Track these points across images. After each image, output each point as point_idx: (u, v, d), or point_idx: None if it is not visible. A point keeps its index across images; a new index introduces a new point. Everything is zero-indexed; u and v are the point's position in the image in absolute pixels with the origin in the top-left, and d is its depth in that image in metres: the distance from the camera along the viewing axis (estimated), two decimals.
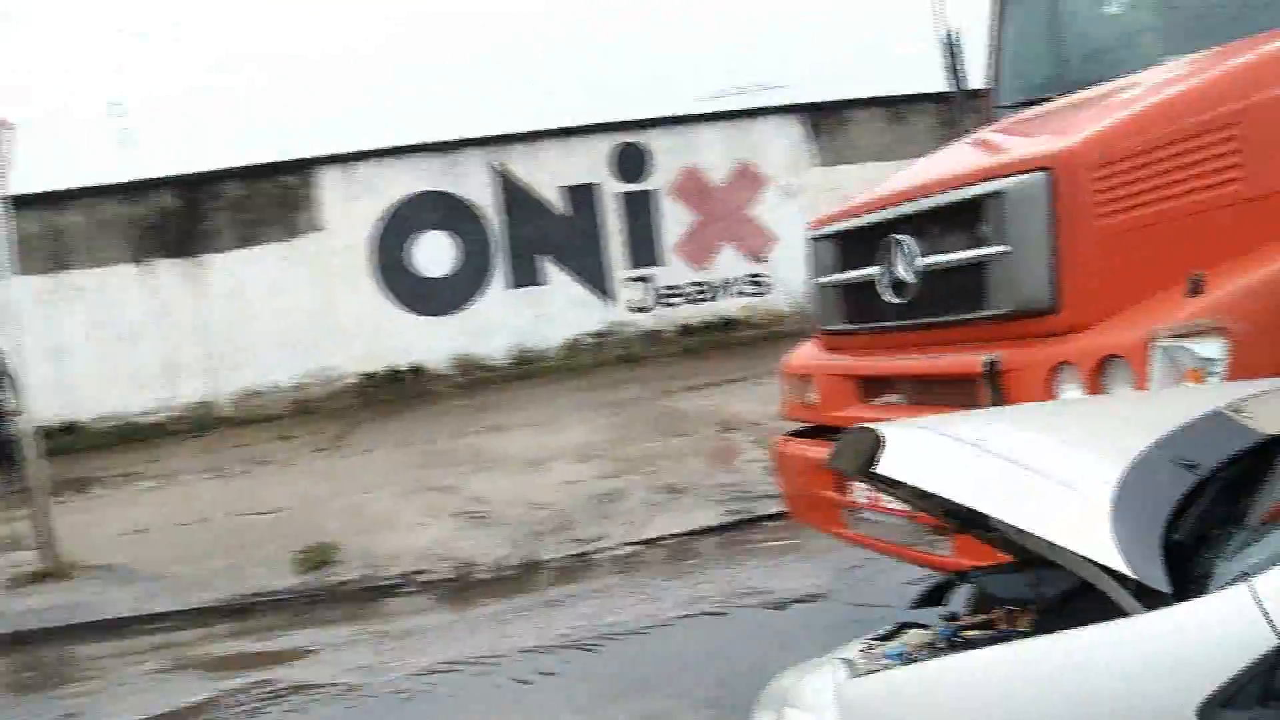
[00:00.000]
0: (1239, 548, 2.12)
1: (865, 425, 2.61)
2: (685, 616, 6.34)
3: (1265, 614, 1.80)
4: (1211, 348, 3.27)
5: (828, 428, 5.04)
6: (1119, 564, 2.03)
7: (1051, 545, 2.21)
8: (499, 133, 14.65)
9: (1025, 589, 2.61)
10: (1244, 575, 1.89)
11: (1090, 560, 2.10)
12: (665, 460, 9.82)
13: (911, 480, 2.45)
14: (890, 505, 4.36)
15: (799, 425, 5.35)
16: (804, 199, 14.82)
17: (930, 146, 6.07)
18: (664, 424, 10.95)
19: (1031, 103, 4.93)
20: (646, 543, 8.09)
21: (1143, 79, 4.17)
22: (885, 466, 2.40)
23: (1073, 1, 5.14)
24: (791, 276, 14.98)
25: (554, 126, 14.87)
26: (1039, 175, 3.70)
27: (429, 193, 14.27)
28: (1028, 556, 2.75)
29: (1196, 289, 3.40)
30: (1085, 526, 2.14)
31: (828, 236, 4.95)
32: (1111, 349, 3.50)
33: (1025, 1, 5.28)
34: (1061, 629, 2.10)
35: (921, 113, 15.25)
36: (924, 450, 2.54)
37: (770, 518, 7.97)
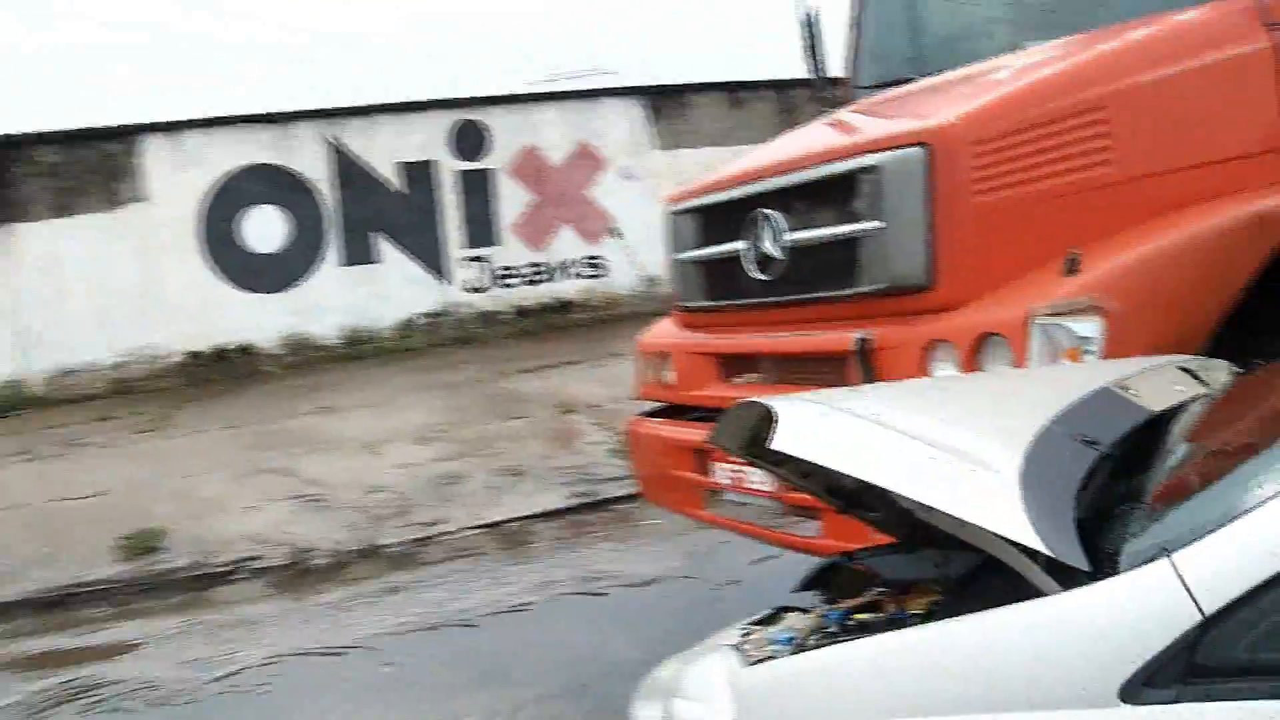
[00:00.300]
0: (1145, 523, 2.07)
1: (751, 400, 2.51)
2: (534, 602, 6.19)
3: (1187, 589, 1.76)
4: (1089, 326, 3.28)
5: (684, 407, 4.96)
6: (1036, 542, 1.96)
7: (962, 524, 2.12)
8: (334, 106, 14.16)
9: (920, 569, 2.54)
10: (1163, 551, 1.83)
11: (1004, 539, 2.03)
12: (505, 442, 9.62)
13: (810, 456, 2.34)
14: (755, 486, 4.29)
15: (653, 405, 5.25)
16: (644, 182, 14.75)
17: (770, 132, 6.04)
18: (502, 406, 10.75)
19: (892, 84, 4.90)
20: (490, 526, 7.91)
21: (1011, 62, 4.18)
22: (780, 442, 2.28)
23: None
24: (628, 260, 14.93)
25: (391, 101, 14.47)
26: (916, 150, 3.65)
27: (260, 165, 13.68)
28: (913, 536, 2.70)
29: (1073, 268, 3.40)
30: (998, 504, 2.07)
31: (689, 211, 4.84)
32: (989, 327, 3.48)
33: None
34: (964, 611, 2.03)
35: (762, 99, 15.32)
36: (821, 426, 2.44)
37: (617, 500, 7.88)
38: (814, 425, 2.40)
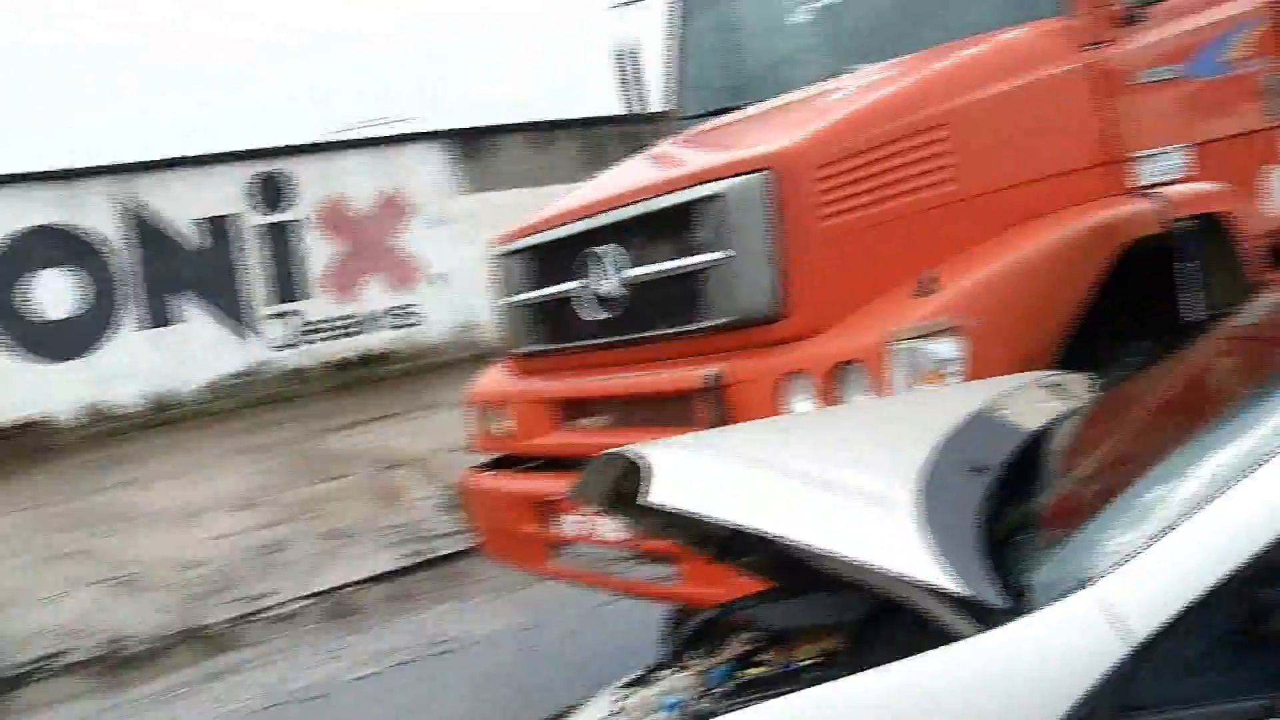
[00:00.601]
0: (1053, 552, 1.97)
1: (615, 450, 2.33)
2: (375, 673, 5.85)
3: (1112, 620, 1.65)
4: (949, 347, 3.22)
5: (522, 458, 4.75)
6: (946, 582, 1.83)
7: (861, 568, 1.98)
8: (125, 161, 13.47)
9: (813, 616, 2.39)
10: (1082, 581, 1.73)
11: (911, 581, 1.89)
12: (328, 504, 9.19)
13: (691, 509, 2.17)
14: (605, 536, 4.11)
15: (488, 457, 5.02)
16: (453, 227, 14.49)
17: (580, 171, 5.92)
18: (321, 466, 10.29)
19: (719, 112, 4.83)
20: (321, 595, 7.49)
21: (846, 83, 4.14)
22: (658, 495, 2.11)
23: (754, 13, 5.10)
24: (443, 307, 14.65)
25: (186, 155, 13.85)
26: (759, 176, 3.55)
27: (46, 226, 12.91)
28: (795, 581, 2.55)
29: (927, 289, 3.34)
30: (898, 545, 1.94)
31: (518, 252, 4.64)
32: (846, 354, 3.39)
33: (706, 14, 5.21)
34: (870, 660, 1.89)
35: (571, 138, 15.26)
36: (698, 474, 2.28)
37: (452, 557, 7.58)
38: (690, 474, 2.25)
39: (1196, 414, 2.39)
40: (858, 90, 3.97)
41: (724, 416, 3.63)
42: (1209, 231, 3.99)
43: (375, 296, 14.77)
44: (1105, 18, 4.05)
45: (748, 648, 2.44)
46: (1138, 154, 4.05)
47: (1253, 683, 1.64)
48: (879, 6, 4.60)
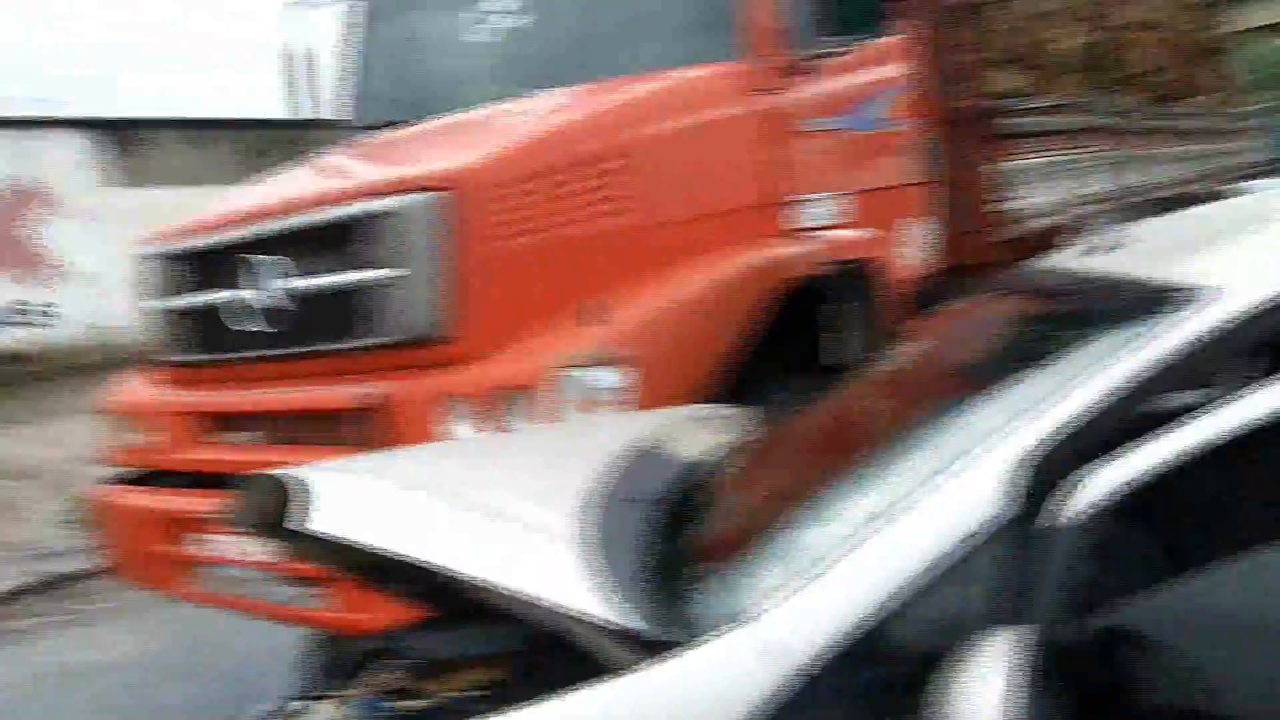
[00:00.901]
0: (715, 585, 1.99)
1: (270, 473, 2.21)
2: None
3: (771, 654, 1.69)
4: (614, 377, 3.24)
5: (163, 472, 4.46)
6: (605, 614, 1.82)
7: (523, 599, 1.94)
8: None
9: (474, 646, 2.33)
10: (741, 614, 1.76)
11: (571, 613, 1.87)
12: None
13: (352, 538, 2.07)
14: (250, 557, 3.91)
15: (125, 471, 4.68)
16: (99, 222, 13.55)
17: (245, 172, 5.67)
18: None
19: (394, 125, 4.72)
20: None
21: (526, 106, 4.13)
22: (320, 523, 2.01)
23: (437, 29, 5.03)
24: (83, 308, 13.69)
25: None
26: (435, 195, 3.46)
27: None
28: (454, 610, 2.49)
29: (596, 318, 3.36)
30: (561, 576, 1.92)
31: (171, 255, 4.36)
32: (511, 380, 3.35)
33: (388, 25, 5.09)
34: (531, 693, 1.86)
35: (231, 138, 14.61)
36: (361, 501, 2.19)
37: (78, 576, 7.02)
38: (352, 500, 2.16)
39: (845, 453, 2.49)
40: (537, 115, 3.97)
41: (384, 438, 3.51)
42: (856, 276, 4.24)
43: (5, 293, 13.64)
44: (776, 66, 4.24)
45: (398, 677, 2.37)
46: (797, 198, 4.25)
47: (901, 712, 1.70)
48: (562, 34, 4.63)
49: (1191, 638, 1.44)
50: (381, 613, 2.69)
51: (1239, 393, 1.55)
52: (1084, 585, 1.48)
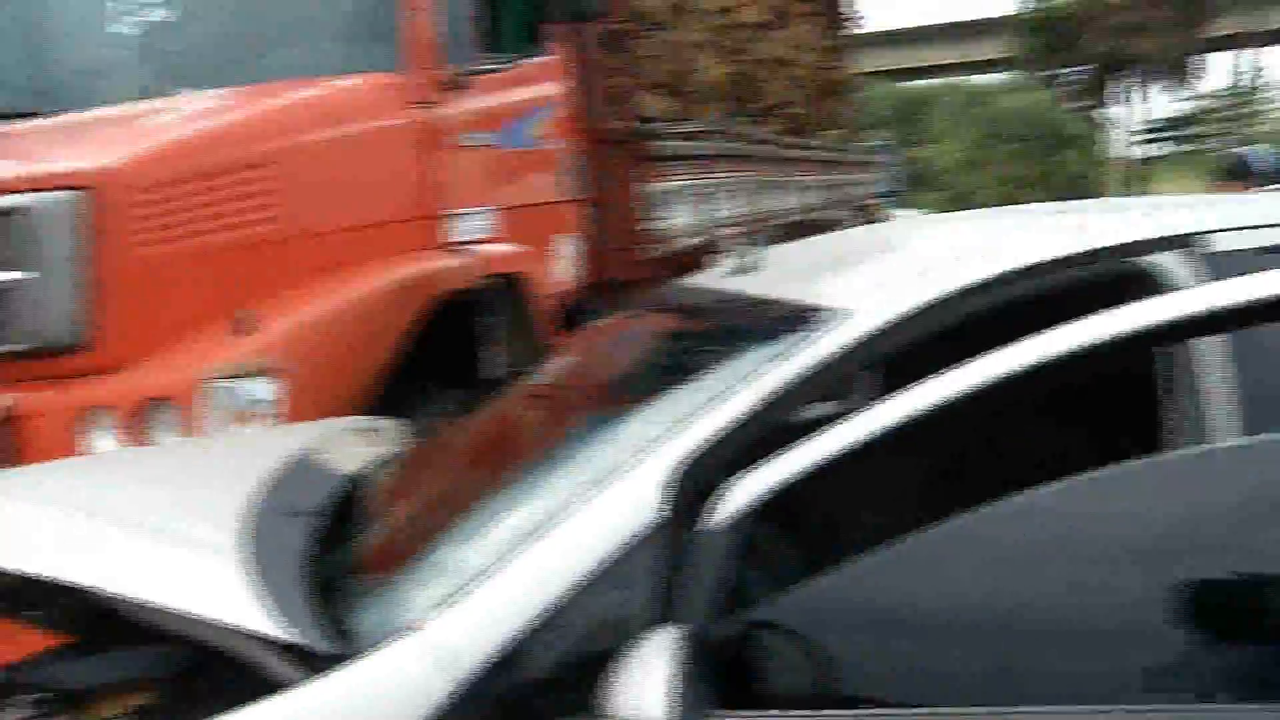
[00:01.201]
0: (378, 596, 2.00)
1: None
2: None
3: (438, 663, 1.72)
4: (265, 388, 3.17)
5: None
6: (269, 629, 1.80)
7: (181, 617, 1.88)
8: None
9: (117, 671, 2.22)
10: (406, 625, 1.78)
11: (233, 628, 1.83)
12: None
13: None
14: None
15: None
16: None
17: None
18: None
19: (14, 116, 4.38)
20: None
21: (173, 105, 3.94)
22: None
23: (73, 13, 4.69)
24: None
25: None
26: (73, 194, 3.25)
27: None
28: (95, 634, 2.36)
29: (246, 327, 3.27)
30: (221, 592, 1.87)
31: None
32: (156, 390, 3.20)
33: (20, 4, 4.70)
34: (190, 715, 1.81)
35: None
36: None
37: None
38: None
39: (505, 463, 2.55)
40: (186, 116, 3.80)
41: (13, 453, 3.27)
42: (509, 291, 4.32)
43: None
44: (434, 79, 4.25)
45: (32, 711, 2.22)
46: (452, 211, 4.28)
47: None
48: (213, 32, 4.45)
49: (826, 627, 1.59)
50: (10, 644, 2.51)
51: (869, 404, 1.72)
52: (734, 584, 1.60)
